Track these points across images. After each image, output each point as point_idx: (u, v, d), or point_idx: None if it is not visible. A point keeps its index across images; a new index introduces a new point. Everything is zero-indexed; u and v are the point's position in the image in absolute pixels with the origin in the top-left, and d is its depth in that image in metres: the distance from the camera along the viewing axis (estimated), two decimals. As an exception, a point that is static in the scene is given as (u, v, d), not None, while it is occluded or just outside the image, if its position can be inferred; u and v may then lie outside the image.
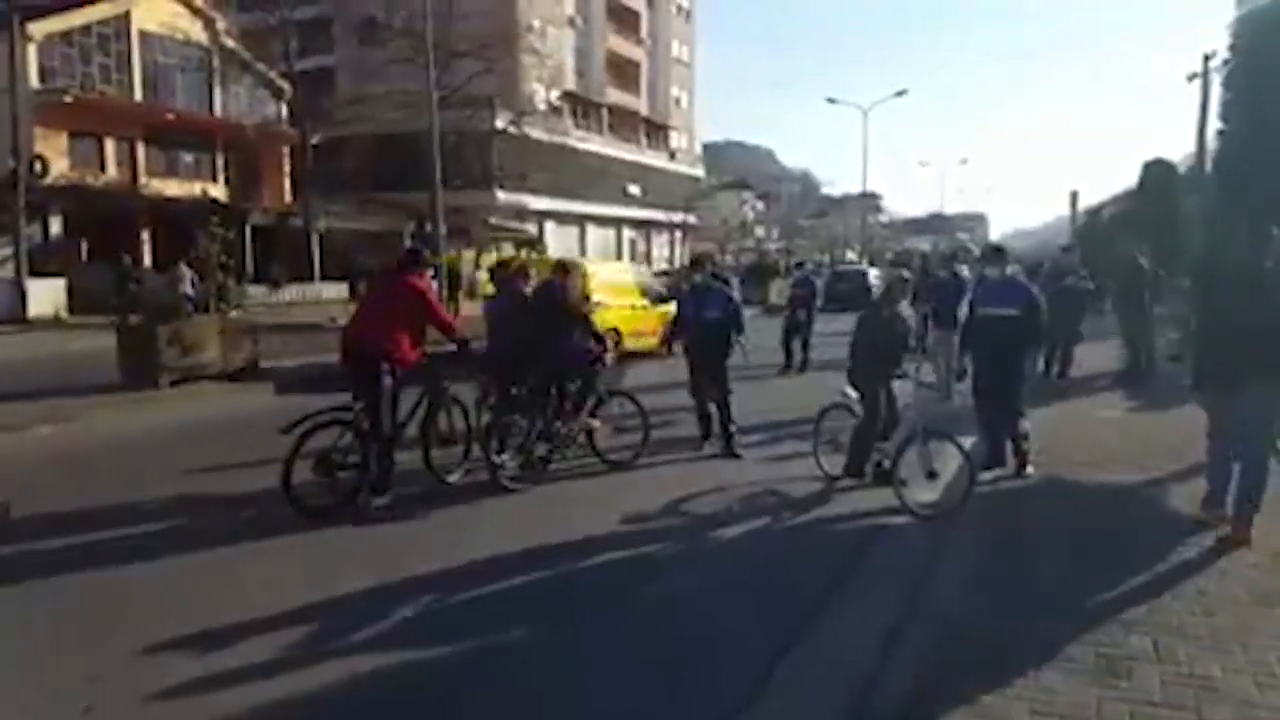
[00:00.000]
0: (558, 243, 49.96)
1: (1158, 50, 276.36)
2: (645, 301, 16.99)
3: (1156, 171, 30.39)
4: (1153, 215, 26.30)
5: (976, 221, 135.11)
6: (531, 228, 47.78)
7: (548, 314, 8.10)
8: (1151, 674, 3.97)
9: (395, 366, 6.86)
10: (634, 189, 59.73)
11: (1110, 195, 42.83)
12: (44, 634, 4.67)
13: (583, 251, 51.45)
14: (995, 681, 3.90)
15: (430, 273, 7.43)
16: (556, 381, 7.98)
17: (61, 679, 4.13)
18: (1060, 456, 8.10)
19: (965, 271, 12.67)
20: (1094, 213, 42.36)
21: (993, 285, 7.91)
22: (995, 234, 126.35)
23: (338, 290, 31.61)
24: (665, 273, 36.88)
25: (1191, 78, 27.50)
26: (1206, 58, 26.59)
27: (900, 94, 54.62)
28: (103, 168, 31.81)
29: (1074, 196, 44.00)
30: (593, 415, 8.16)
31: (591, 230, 56.25)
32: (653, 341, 13.85)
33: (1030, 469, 7.57)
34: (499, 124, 40.26)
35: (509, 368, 8.10)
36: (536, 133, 42.25)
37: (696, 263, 10.07)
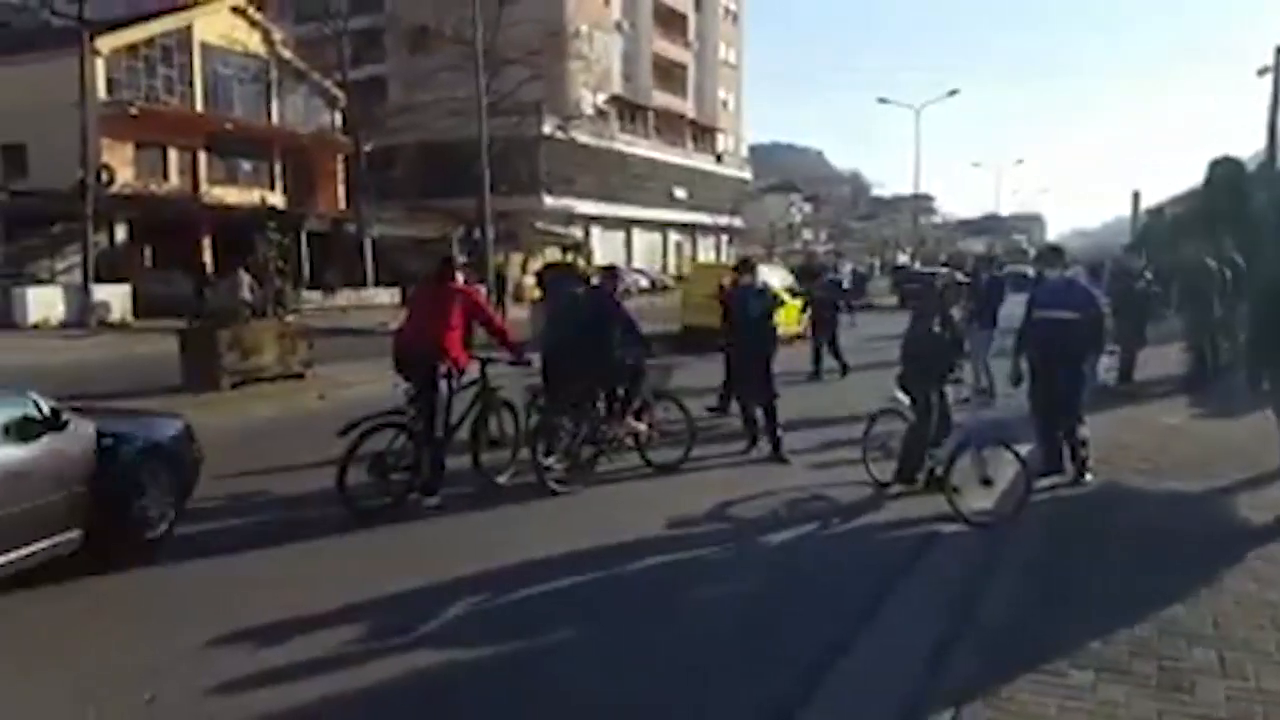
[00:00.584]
0: (604, 247, 50.16)
1: (1225, 46, 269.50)
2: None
3: (1224, 170, 29.56)
4: (1219, 215, 25.63)
5: (1032, 222, 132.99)
6: (578, 232, 48.05)
7: (595, 317, 8.14)
8: (1216, 688, 3.86)
9: (449, 368, 7.04)
10: (680, 192, 59.73)
11: (1173, 195, 41.83)
12: (108, 627, 4.80)
13: (629, 256, 51.61)
14: (1052, 693, 3.82)
15: (462, 279, 7.60)
16: (603, 384, 8.01)
17: (125, 670, 4.25)
18: (1121, 463, 7.91)
19: (1031, 271, 12.54)
20: (1156, 212, 41.34)
21: (1052, 287, 7.68)
22: (1052, 235, 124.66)
23: (390, 295, 32.04)
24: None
25: (1262, 72, 26.73)
26: (1278, 50, 25.84)
27: (952, 94, 54.01)
28: (166, 176, 32.66)
29: (1135, 196, 42.96)
30: (638, 419, 8.17)
31: (637, 234, 56.38)
32: (796, 328, 16.45)
33: (1089, 476, 7.40)
34: (546, 129, 40.59)
35: (557, 370, 8.17)
36: (583, 137, 42.53)
37: (745, 265, 10.06)
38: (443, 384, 6.97)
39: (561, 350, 8.17)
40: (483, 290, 18.23)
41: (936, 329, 7.30)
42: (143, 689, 4.04)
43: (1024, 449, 7.10)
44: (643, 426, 8.18)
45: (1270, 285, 6.97)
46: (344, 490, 6.52)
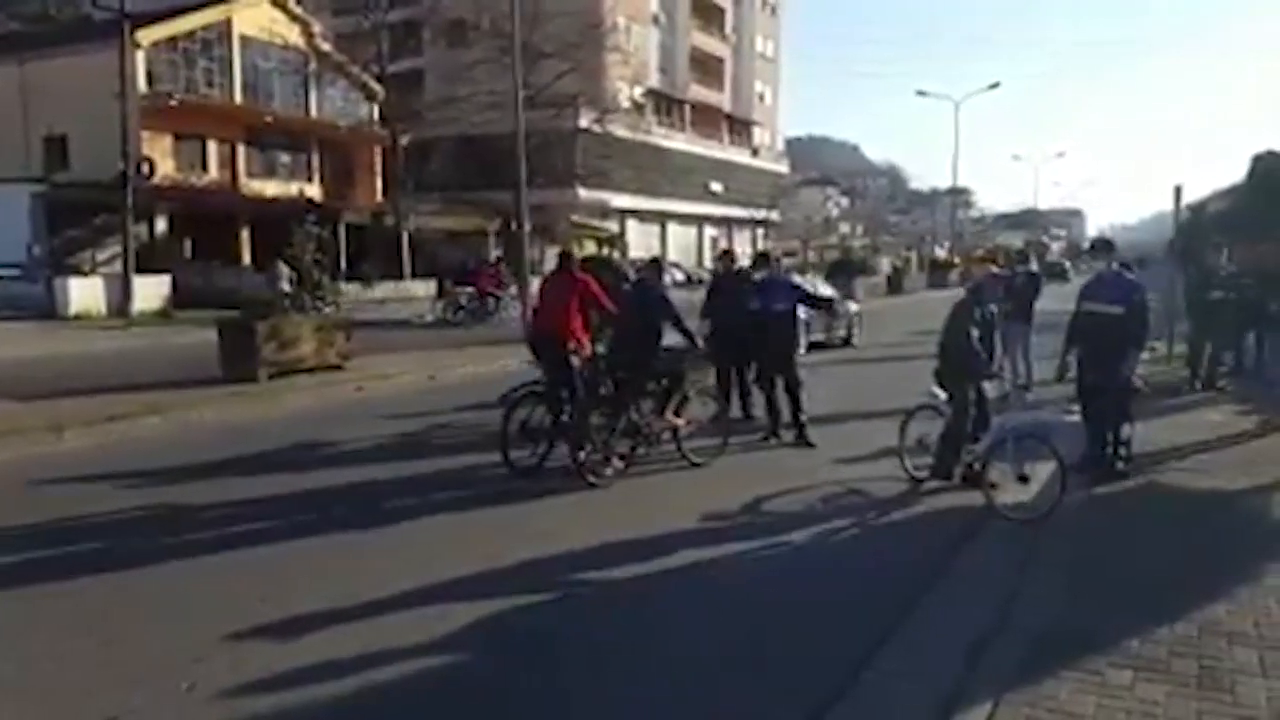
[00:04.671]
0: (639, 240, 50.12)
1: (1274, 35, 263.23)
2: None
3: (1267, 164, 29.03)
4: (1261, 210, 25.12)
5: (1072, 217, 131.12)
6: (613, 225, 48.04)
7: (640, 311, 8.18)
8: (1257, 688, 3.81)
9: (577, 345, 8.05)
10: (716, 186, 59.50)
11: (1216, 190, 41.00)
12: (152, 616, 4.88)
13: (664, 249, 51.53)
14: (1090, 692, 3.79)
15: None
16: (647, 377, 8.04)
17: (167, 658, 4.31)
18: (1162, 461, 7.81)
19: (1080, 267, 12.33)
20: (1197, 209, 40.54)
21: (1101, 280, 7.65)
22: (1092, 230, 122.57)
23: (426, 288, 32.26)
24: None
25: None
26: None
27: (993, 86, 53.08)
28: (205, 169, 33.09)
29: (1178, 191, 42.01)
30: (678, 414, 8.18)
31: (673, 228, 56.26)
32: None
33: (1126, 470, 7.32)
34: (582, 122, 40.56)
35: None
36: (619, 131, 42.41)
37: (763, 258, 10.04)
38: (573, 358, 7.98)
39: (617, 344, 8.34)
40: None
41: (976, 321, 7.21)
42: (184, 677, 4.10)
43: (1063, 446, 7.01)
44: (681, 422, 8.20)
45: None
46: (506, 449, 7.49)
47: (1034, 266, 13.01)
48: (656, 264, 8.93)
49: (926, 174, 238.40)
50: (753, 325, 9.24)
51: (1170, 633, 4.34)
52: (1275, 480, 7.18)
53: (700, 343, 8.76)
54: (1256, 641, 4.25)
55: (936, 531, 6.38)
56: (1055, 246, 60.85)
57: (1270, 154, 29.71)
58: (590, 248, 41.60)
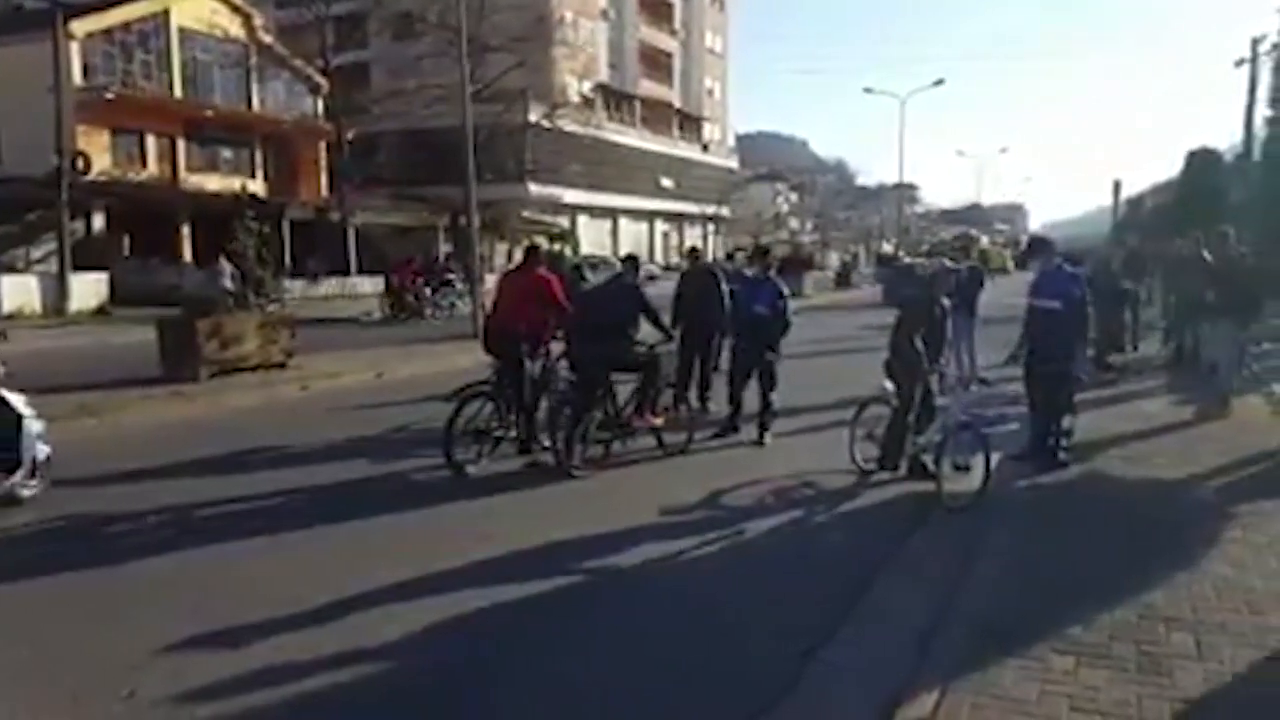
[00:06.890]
0: (590, 236, 50.07)
1: (1206, 34, 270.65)
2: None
3: (1200, 161, 29.87)
4: (1195, 205, 25.84)
5: (1015, 212, 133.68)
6: (564, 221, 47.90)
7: (614, 305, 8.17)
8: (1194, 671, 3.90)
9: (533, 345, 7.99)
10: (667, 181, 59.61)
11: (1154, 184, 42.09)
12: (89, 621, 4.73)
13: (615, 245, 51.52)
14: (1034, 678, 3.85)
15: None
16: (622, 371, 8.05)
17: (105, 665, 4.20)
18: (1101, 451, 7.97)
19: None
20: (1135, 203, 41.61)
21: (1044, 277, 7.81)
22: (1035, 224, 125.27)
23: (374, 284, 31.81)
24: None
25: (1239, 63, 26.91)
26: (1255, 42, 26.10)
27: (938, 83, 53.64)
28: (144, 164, 32.29)
29: (1117, 186, 43.09)
30: (654, 412, 8.20)
31: (624, 223, 56.26)
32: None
33: (1067, 460, 7.47)
34: (532, 117, 40.33)
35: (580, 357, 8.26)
36: (569, 126, 42.27)
37: (762, 252, 9.90)
38: (526, 358, 7.89)
39: (583, 338, 8.26)
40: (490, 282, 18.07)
41: (929, 315, 7.29)
42: (122, 685, 3.99)
43: (1008, 434, 7.13)
44: (659, 421, 8.26)
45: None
46: (450, 448, 7.41)
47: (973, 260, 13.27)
48: (633, 260, 8.99)
49: (875, 169, 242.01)
50: (739, 324, 9.28)
51: (1110, 619, 4.43)
52: (1211, 469, 7.37)
53: (675, 335, 8.83)
54: (1193, 626, 4.35)
55: (884, 523, 6.45)
56: (985, 240, 62.31)
57: (1204, 150, 30.57)
58: (541, 243, 41.45)
